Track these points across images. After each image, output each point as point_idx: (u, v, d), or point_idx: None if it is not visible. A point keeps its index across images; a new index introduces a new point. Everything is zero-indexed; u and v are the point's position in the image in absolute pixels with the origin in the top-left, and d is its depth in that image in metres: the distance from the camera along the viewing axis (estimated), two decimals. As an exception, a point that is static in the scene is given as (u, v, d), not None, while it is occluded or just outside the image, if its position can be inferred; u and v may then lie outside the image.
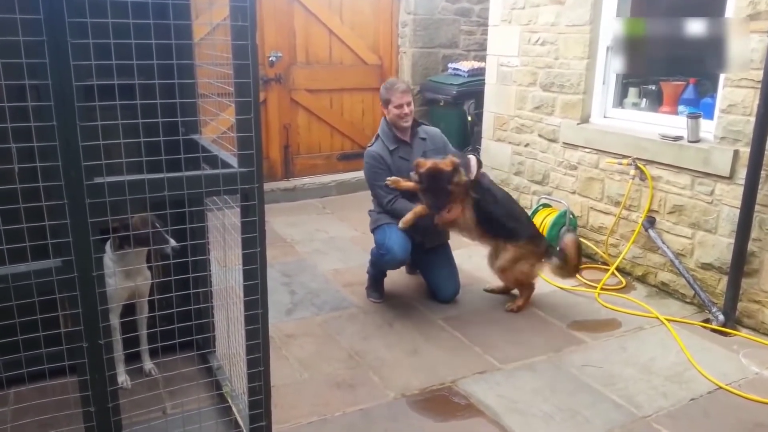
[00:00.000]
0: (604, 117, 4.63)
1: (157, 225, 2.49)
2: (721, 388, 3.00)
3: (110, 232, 2.46)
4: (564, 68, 4.73)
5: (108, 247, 2.56)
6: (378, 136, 3.88)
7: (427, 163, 3.51)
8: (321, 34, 6.30)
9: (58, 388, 2.28)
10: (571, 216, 4.64)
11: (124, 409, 2.10)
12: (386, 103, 3.78)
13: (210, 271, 2.85)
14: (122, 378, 2.73)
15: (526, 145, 5.24)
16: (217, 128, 2.78)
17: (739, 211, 3.47)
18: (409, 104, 3.76)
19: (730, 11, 3.60)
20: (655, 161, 4.06)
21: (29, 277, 1.76)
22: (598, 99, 4.62)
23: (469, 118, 6.02)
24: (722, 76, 3.64)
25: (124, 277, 2.60)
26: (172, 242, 2.52)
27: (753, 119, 3.36)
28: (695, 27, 3.68)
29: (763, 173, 3.37)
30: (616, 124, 4.51)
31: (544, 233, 4.58)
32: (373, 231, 3.86)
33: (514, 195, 5.44)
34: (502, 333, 3.53)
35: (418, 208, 3.60)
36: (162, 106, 1.99)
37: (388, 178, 3.71)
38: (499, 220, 3.70)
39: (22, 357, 1.97)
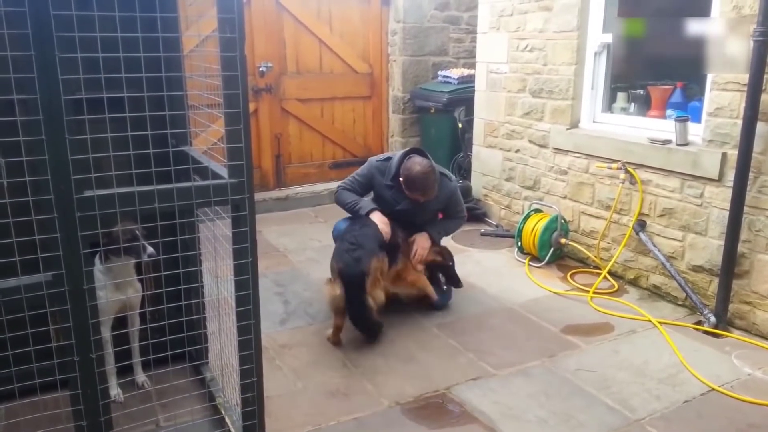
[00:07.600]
0: (594, 122, 4.66)
1: (137, 234, 2.48)
2: (714, 389, 3.01)
3: (100, 244, 2.45)
4: (553, 74, 4.77)
5: (97, 259, 2.55)
6: (389, 158, 3.75)
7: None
8: (311, 43, 6.32)
9: (49, 402, 2.27)
10: (562, 221, 4.66)
11: (117, 423, 2.09)
12: (408, 188, 3.54)
13: (202, 282, 2.85)
14: (114, 391, 2.72)
15: (517, 151, 5.26)
16: (207, 139, 2.78)
17: (728, 213, 3.49)
18: (425, 201, 3.62)
19: (714, 16, 3.64)
20: (644, 165, 4.09)
21: (19, 291, 1.75)
22: (587, 104, 4.66)
23: (460, 125, 6.05)
24: (709, 80, 3.68)
25: (115, 290, 2.59)
26: (150, 249, 2.49)
27: (740, 122, 3.39)
28: (681, 31, 3.71)
29: (751, 175, 3.40)
30: (606, 129, 4.54)
31: (536, 238, 4.62)
32: None
33: (506, 201, 5.48)
34: (495, 339, 3.53)
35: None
36: (152, 119, 2.00)
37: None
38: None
39: (13, 372, 1.95)
